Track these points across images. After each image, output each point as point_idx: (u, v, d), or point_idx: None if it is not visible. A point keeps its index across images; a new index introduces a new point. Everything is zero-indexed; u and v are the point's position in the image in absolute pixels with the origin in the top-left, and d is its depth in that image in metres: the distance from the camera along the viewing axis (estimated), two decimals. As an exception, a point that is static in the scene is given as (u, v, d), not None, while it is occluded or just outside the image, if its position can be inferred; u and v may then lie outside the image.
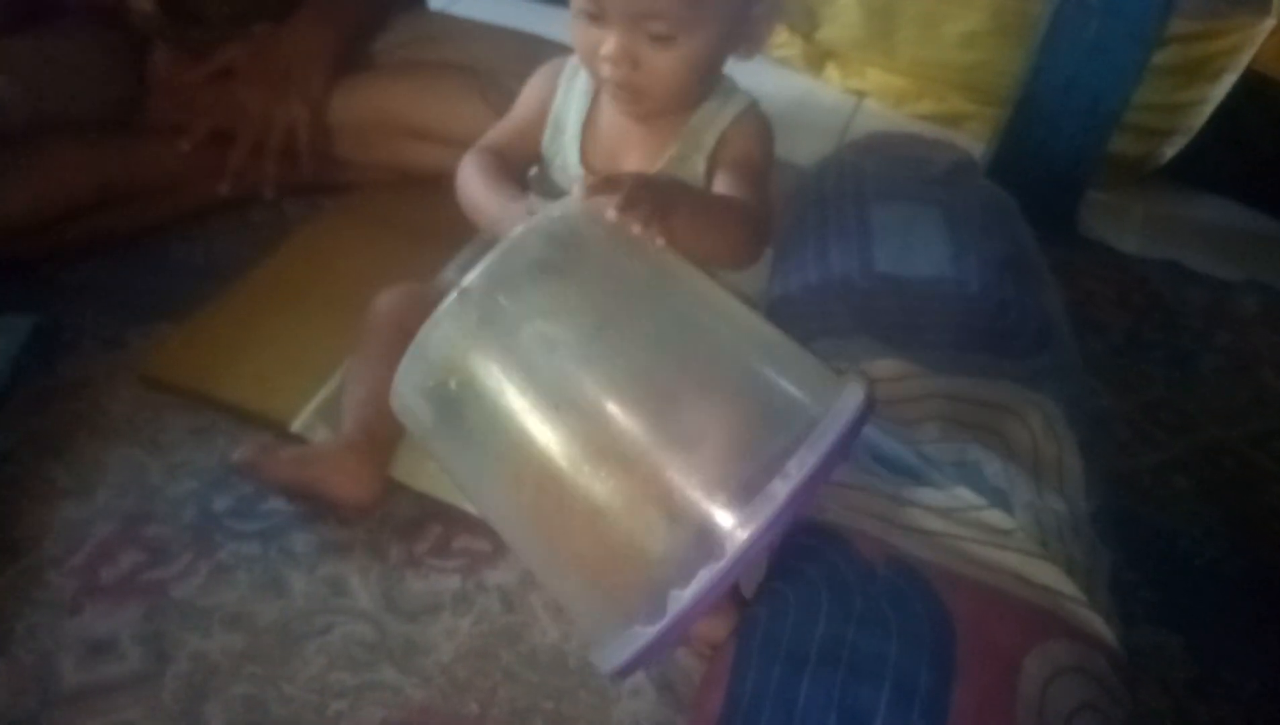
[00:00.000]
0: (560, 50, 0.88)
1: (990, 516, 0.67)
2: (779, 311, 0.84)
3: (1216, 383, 1.06)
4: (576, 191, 0.66)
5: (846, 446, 0.58)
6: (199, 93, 1.07)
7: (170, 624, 0.72)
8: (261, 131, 1.05)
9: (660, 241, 0.65)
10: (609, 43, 0.71)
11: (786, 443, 0.56)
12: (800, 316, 0.81)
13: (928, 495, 0.68)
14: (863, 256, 0.84)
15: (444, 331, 0.60)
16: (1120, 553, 0.76)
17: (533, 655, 0.72)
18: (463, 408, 0.61)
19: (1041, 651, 0.60)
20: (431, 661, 0.71)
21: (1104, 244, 1.25)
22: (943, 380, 0.76)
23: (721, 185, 0.79)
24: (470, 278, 0.59)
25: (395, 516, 0.80)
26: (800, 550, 0.65)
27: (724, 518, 0.54)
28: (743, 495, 0.54)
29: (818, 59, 1.55)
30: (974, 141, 1.34)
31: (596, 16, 0.71)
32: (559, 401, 0.58)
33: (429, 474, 0.82)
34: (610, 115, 0.82)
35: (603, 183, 0.65)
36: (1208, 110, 1.28)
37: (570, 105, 0.83)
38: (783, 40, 1.55)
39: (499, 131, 0.86)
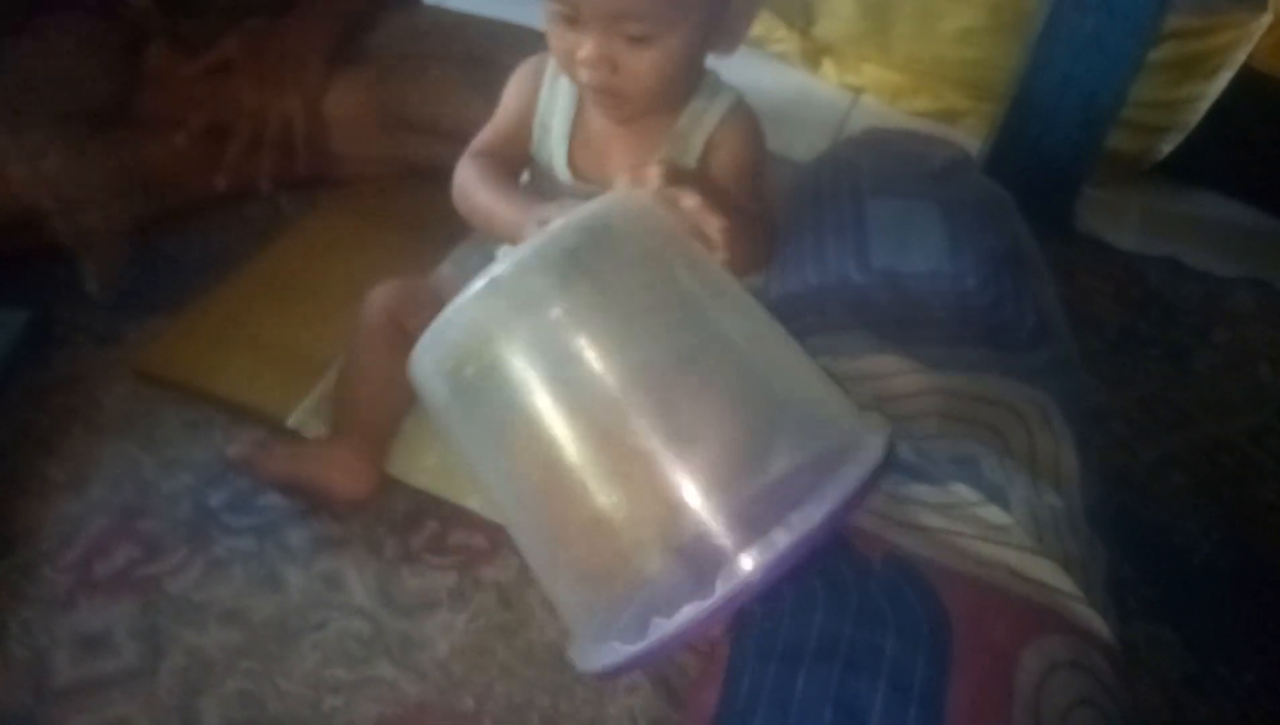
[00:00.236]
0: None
1: (987, 512, 0.67)
2: (776, 308, 0.83)
3: (1213, 378, 1.06)
4: (620, 185, 0.65)
5: (860, 499, 0.57)
6: (194, 87, 1.06)
7: (165, 619, 0.72)
8: (257, 126, 1.05)
9: (719, 240, 0.64)
10: (586, 46, 0.69)
11: (801, 482, 0.54)
12: (797, 312, 0.80)
13: (924, 491, 0.68)
14: (859, 252, 0.83)
15: (468, 317, 0.59)
16: (1117, 549, 0.76)
17: (529, 651, 0.72)
18: (477, 395, 0.60)
19: (1038, 647, 0.60)
20: (427, 657, 0.71)
21: (1101, 240, 1.25)
22: (939, 376, 0.76)
23: (724, 181, 0.78)
24: (502, 267, 0.57)
25: (391, 512, 0.80)
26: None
27: (719, 556, 0.53)
28: (744, 533, 0.52)
29: (814, 54, 1.55)
30: (970, 137, 1.34)
31: (572, 20, 0.69)
32: (575, 405, 0.57)
33: (425, 470, 0.82)
34: (596, 118, 0.80)
35: (654, 176, 0.64)
36: (1204, 106, 1.28)
37: (555, 107, 0.81)
38: (779, 35, 1.54)
39: (490, 135, 0.83)
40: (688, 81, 0.78)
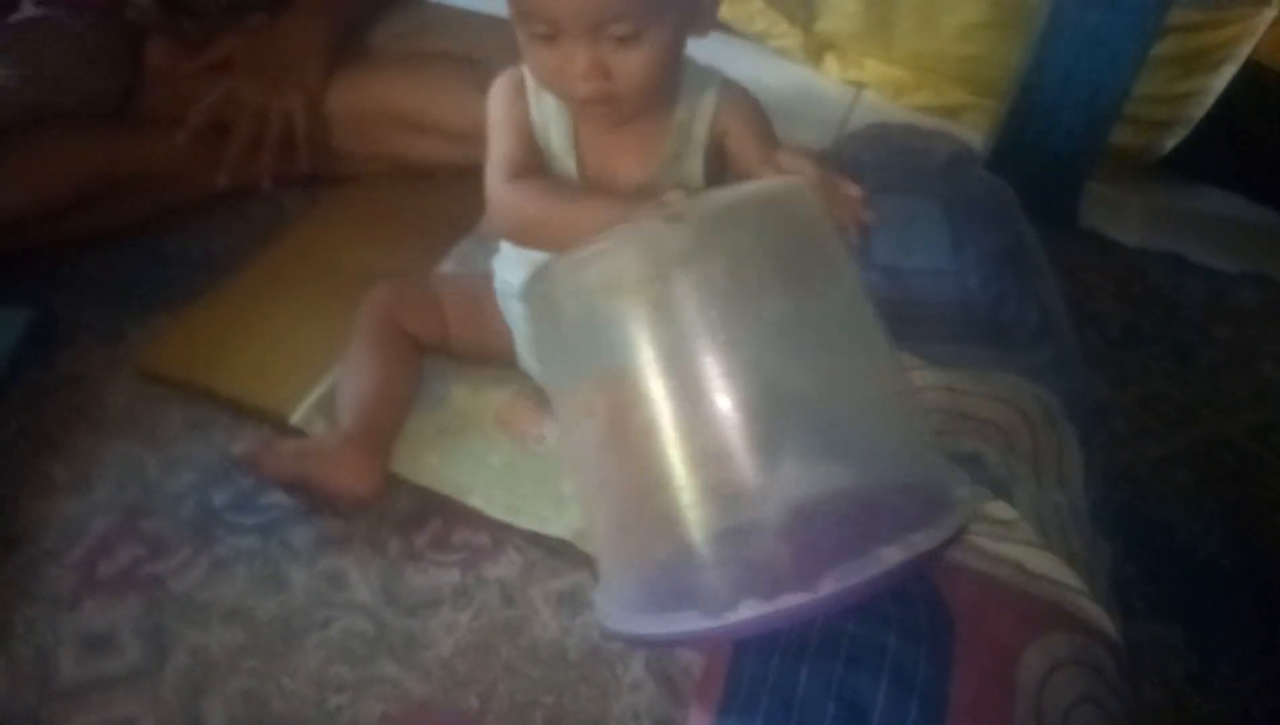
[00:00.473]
0: None
1: (991, 507, 0.67)
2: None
3: (1216, 375, 1.06)
4: (769, 175, 0.67)
5: (938, 556, 0.57)
6: (195, 84, 1.06)
7: (169, 618, 0.72)
8: (258, 123, 1.05)
9: (867, 223, 0.66)
10: (578, 60, 0.67)
11: (869, 512, 0.55)
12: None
13: (928, 488, 0.68)
14: (862, 249, 0.83)
15: (626, 259, 0.59)
16: (1120, 546, 0.76)
17: (533, 649, 0.72)
18: (593, 325, 0.60)
19: (1041, 644, 0.60)
20: (431, 656, 0.71)
21: (1103, 236, 1.25)
22: (943, 373, 0.76)
23: (752, 157, 0.76)
24: (683, 226, 0.57)
25: (394, 510, 0.80)
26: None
27: (769, 555, 0.53)
28: (807, 560, 0.52)
29: (816, 50, 1.54)
30: (973, 133, 1.33)
31: (551, 37, 0.67)
32: (683, 371, 0.56)
33: (428, 468, 0.82)
34: (593, 126, 0.78)
35: (810, 165, 0.66)
36: (1208, 101, 1.28)
37: (549, 124, 0.78)
38: (781, 31, 1.54)
39: (512, 155, 0.78)
40: (677, 70, 0.77)
